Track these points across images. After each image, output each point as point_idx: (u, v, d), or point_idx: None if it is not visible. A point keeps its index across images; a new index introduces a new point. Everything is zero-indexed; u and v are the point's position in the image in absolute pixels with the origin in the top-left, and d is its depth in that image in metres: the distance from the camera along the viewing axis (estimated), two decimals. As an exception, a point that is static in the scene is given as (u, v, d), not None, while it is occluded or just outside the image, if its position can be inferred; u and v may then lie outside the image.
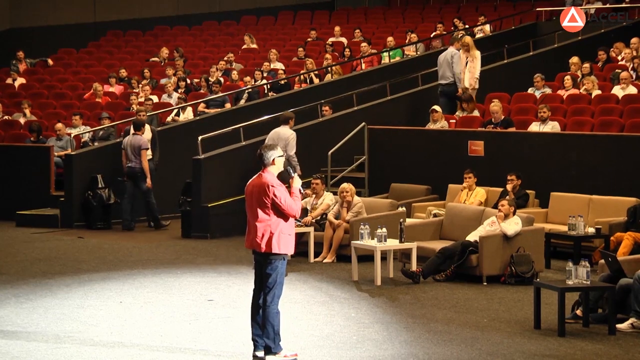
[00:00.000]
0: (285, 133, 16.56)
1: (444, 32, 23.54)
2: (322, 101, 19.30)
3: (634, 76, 17.98)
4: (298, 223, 14.39)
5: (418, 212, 15.64)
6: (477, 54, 18.73)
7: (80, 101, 21.78)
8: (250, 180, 9.07)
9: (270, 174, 8.94)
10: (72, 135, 19.13)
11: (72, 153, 18.12)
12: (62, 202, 17.76)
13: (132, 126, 17.51)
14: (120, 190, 17.42)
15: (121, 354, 9.10)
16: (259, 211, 8.88)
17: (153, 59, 24.49)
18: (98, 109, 20.70)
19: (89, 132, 19.41)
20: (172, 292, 12.12)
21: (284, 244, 8.92)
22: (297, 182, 9.01)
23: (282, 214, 8.86)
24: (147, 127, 17.60)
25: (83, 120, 19.91)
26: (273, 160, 8.97)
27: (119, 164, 17.46)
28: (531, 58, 20.99)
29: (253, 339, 8.97)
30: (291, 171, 9.14)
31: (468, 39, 19.27)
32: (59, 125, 19.14)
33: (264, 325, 8.89)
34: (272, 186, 8.81)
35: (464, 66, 18.71)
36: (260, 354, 8.93)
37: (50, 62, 24.73)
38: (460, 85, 18.55)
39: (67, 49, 26.09)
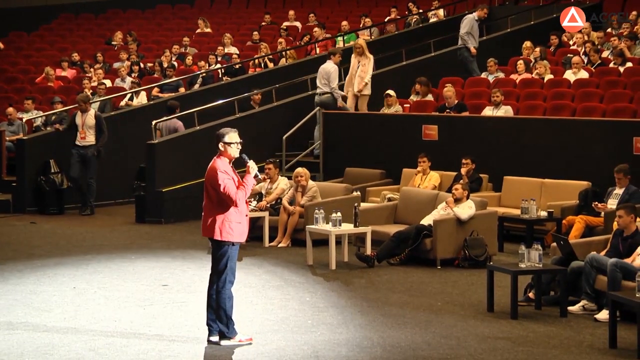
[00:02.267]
0: (328, 67, 17.71)
1: (398, 17, 23.60)
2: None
3: (586, 60, 18.14)
4: (252, 207, 14.39)
5: (372, 197, 15.69)
6: (370, 57, 18.04)
7: (32, 85, 21.56)
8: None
9: (221, 159, 8.90)
10: (24, 120, 18.94)
11: (24, 137, 17.95)
12: (14, 187, 17.60)
13: (166, 109, 17.69)
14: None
15: (75, 340, 9.05)
16: (206, 196, 8.89)
17: (114, 42, 24.28)
18: (50, 93, 20.51)
19: (41, 116, 19.24)
20: (127, 277, 12.06)
21: (228, 232, 8.81)
22: (252, 169, 8.91)
23: (224, 201, 8.79)
24: (91, 111, 17.34)
25: (35, 104, 19.72)
26: (225, 144, 8.91)
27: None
28: (484, 43, 21.09)
29: (208, 324, 8.97)
30: (246, 158, 9.06)
31: (361, 41, 18.68)
32: (11, 109, 18.96)
33: (216, 310, 8.89)
34: (217, 171, 8.76)
35: (355, 69, 17.90)
36: (215, 338, 8.93)
37: (0, 45, 24.43)
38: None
39: (18, 32, 25.79)
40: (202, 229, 9.01)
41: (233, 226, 8.83)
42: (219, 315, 8.88)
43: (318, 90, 18.03)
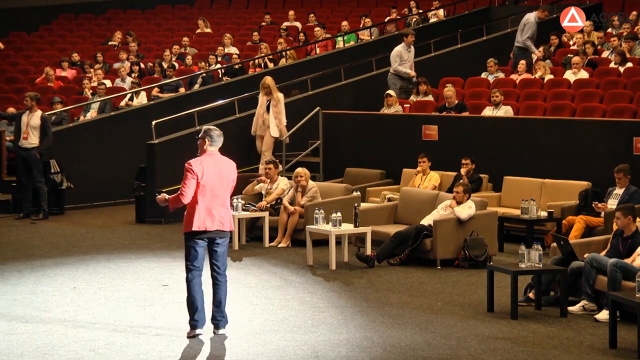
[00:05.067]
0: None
1: (398, 17, 23.61)
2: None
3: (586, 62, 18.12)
4: (253, 208, 14.40)
5: (372, 197, 15.70)
6: (280, 96, 17.06)
7: (32, 85, 21.55)
8: None
9: (200, 155, 9.17)
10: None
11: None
12: (14, 187, 17.59)
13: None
14: None
15: (75, 340, 9.05)
16: (226, 191, 9.25)
17: (111, 42, 24.28)
18: (50, 94, 20.50)
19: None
20: (127, 277, 12.07)
21: (184, 222, 9.13)
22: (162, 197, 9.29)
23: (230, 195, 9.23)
24: (38, 112, 16.76)
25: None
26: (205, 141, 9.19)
27: (72, 148, 17.29)
28: (484, 43, 21.10)
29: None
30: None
31: (268, 79, 17.15)
32: (11, 109, 18.92)
33: (220, 299, 9.25)
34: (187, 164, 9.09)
35: (264, 110, 16.95)
36: (221, 331, 9.21)
37: (0, 45, 24.43)
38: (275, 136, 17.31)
39: (18, 32, 25.78)
40: (226, 224, 9.15)
41: (186, 217, 9.15)
42: (221, 303, 9.24)
43: (391, 69, 18.78)
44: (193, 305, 9.11)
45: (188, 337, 9.10)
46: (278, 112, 16.89)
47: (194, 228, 9.04)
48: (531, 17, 18.75)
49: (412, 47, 18.85)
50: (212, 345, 8.91)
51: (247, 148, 17.50)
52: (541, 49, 18.85)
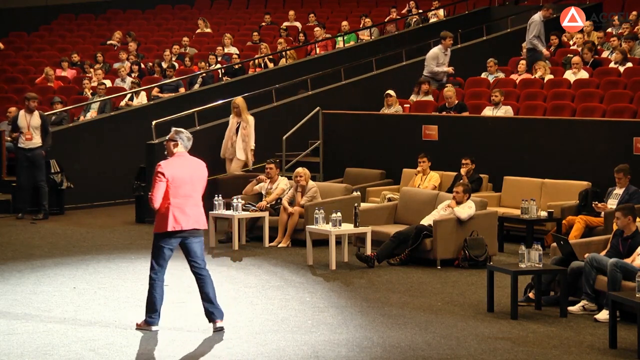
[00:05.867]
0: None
1: (398, 17, 23.61)
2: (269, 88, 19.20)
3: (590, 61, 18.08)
4: (253, 208, 14.40)
5: (372, 197, 15.70)
6: (250, 119, 16.53)
7: (32, 85, 21.55)
8: None
9: (170, 156, 9.29)
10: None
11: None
12: (14, 187, 17.59)
13: None
14: None
15: (75, 340, 9.05)
16: (198, 191, 9.39)
17: (110, 41, 24.28)
18: (50, 94, 20.51)
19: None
20: (127, 277, 12.07)
21: (157, 222, 9.27)
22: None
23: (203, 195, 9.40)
24: (35, 113, 16.75)
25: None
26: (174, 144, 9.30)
27: (72, 148, 17.29)
28: (484, 43, 21.11)
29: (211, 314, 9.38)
30: None
31: (239, 100, 16.68)
32: (12, 109, 18.91)
33: (210, 293, 9.38)
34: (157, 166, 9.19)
35: (233, 132, 16.47)
36: (218, 324, 9.30)
37: (0, 45, 24.43)
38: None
39: (18, 32, 25.78)
40: (200, 223, 9.32)
41: (158, 217, 9.29)
42: (211, 297, 9.35)
43: (425, 71, 18.74)
44: (153, 306, 9.31)
45: (137, 329, 9.35)
46: (246, 134, 16.31)
47: (169, 228, 9.18)
48: (536, 16, 18.72)
49: (449, 50, 18.77)
50: (212, 345, 8.91)
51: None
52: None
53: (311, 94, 19.27)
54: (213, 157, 16.71)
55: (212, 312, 9.31)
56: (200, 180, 9.33)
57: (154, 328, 9.33)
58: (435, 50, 18.72)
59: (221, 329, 9.26)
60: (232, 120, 16.68)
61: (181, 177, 9.16)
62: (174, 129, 9.41)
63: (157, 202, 9.13)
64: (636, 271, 9.18)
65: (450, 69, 18.79)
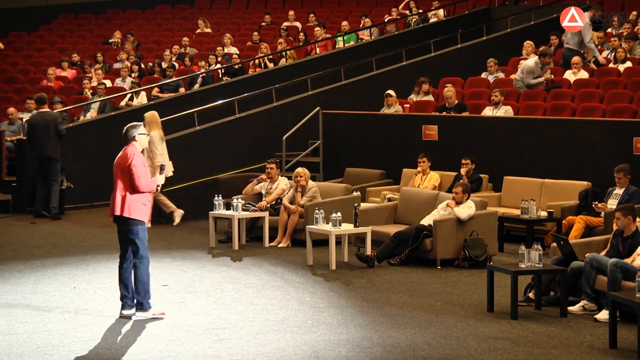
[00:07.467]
0: (528, 62, 17.50)
1: (398, 17, 23.60)
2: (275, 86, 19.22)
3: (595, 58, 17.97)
4: (253, 208, 14.40)
5: (372, 197, 15.70)
6: (154, 134, 15.13)
7: (33, 85, 21.56)
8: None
9: (133, 147, 9.93)
10: (25, 120, 18.92)
11: (24, 138, 17.92)
12: (14, 187, 17.59)
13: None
14: None
15: (75, 340, 9.05)
16: (119, 179, 9.92)
17: (111, 40, 24.29)
18: (50, 94, 20.50)
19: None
20: (126, 277, 12.04)
21: (135, 210, 9.85)
22: (160, 179, 10.26)
23: (134, 183, 9.79)
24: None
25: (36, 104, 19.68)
26: (134, 137, 9.95)
27: (72, 148, 17.27)
28: (484, 43, 21.10)
29: (121, 298, 9.87)
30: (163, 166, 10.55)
31: (147, 114, 15.65)
32: (12, 109, 18.93)
33: (135, 284, 9.81)
34: (132, 155, 9.82)
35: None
36: (129, 312, 9.80)
37: (0, 45, 24.43)
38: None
39: (18, 32, 25.78)
40: (109, 210, 10.05)
41: (142, 207, 9.89)
42: (137, 287, 9.79)
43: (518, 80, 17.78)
44: (148, 288, 9.90)
45: (154, 316, 9.85)
46: (150, 150, 15.09)
47: (147, 219, 10.16)
48: (586, 21, 17.75)
49: (546, 67, 17.59)
50: (212, 345, 8.91)
51: (247, 148, 17.52)
52: (542, 49, 18.81)
53: (311, 94, 19.26)
54: (213, 157, 16.74)
55: (127, 301, 9.87)
56: (116, 167, 10.00)
57: (150, 310, 9.89)
58: (531, 64, 17.54)
59: (128, 316, 9.79)
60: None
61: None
62: (134, 123, 10.13)
63: (147, 185, 10.02)
64: (636, 271, 9.18)
65: (546, 76, 17.55)
